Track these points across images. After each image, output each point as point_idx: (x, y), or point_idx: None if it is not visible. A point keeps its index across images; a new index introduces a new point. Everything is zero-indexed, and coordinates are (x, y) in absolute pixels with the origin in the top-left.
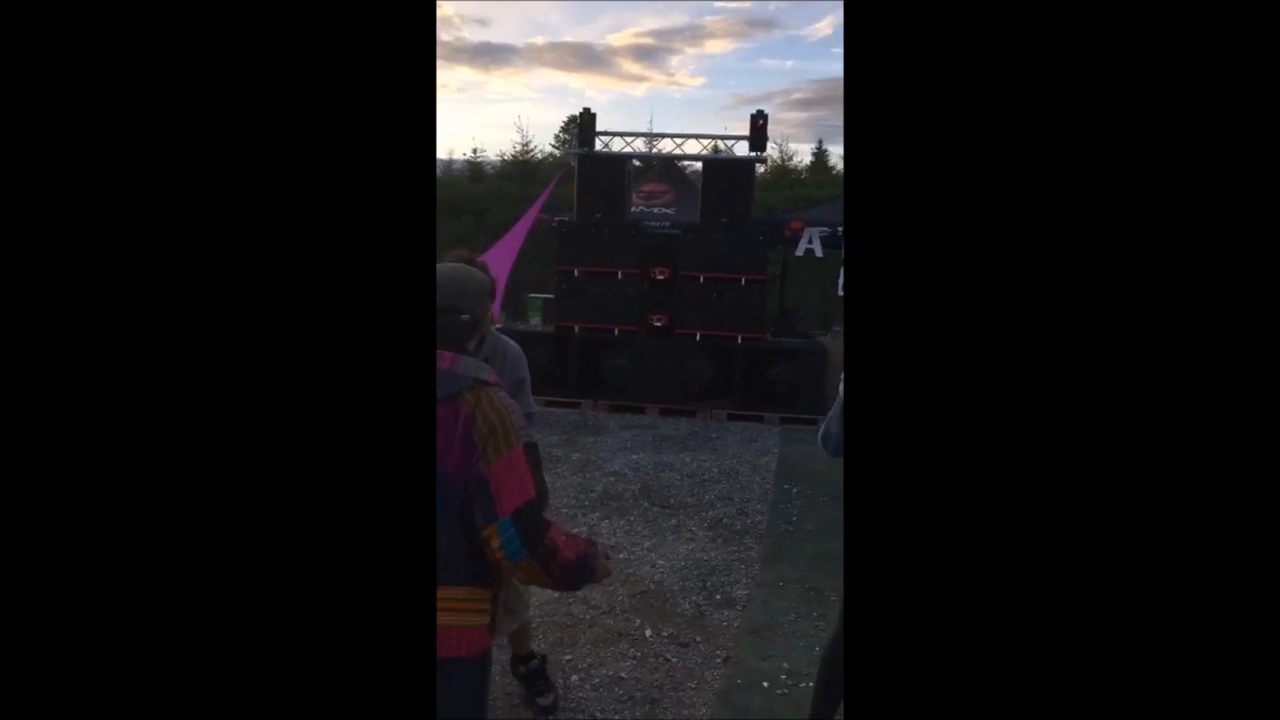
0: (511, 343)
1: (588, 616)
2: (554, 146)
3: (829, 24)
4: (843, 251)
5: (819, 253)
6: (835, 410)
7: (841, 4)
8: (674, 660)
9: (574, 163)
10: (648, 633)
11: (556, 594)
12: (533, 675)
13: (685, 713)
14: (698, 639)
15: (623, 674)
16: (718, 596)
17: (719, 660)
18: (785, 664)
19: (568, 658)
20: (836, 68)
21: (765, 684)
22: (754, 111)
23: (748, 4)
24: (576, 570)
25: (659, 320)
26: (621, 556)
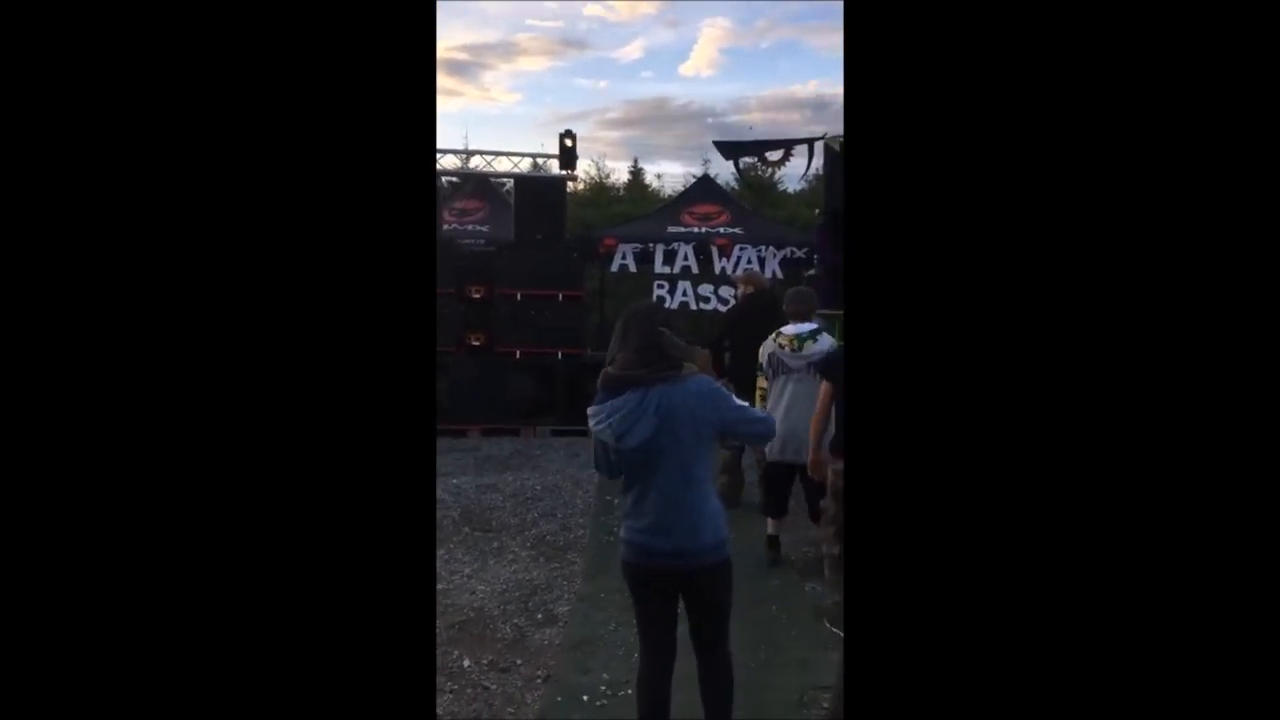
0: None
1: None
2: None
3: (638, 47)
4: (654, 267)
5: (633, 268)
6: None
7: (646, 33)
8: (493, 688)
9: None
10: (466, 663)
11: None
12: None
13: None
14: (518, 662)
15: (439, 710)
16: (539, 616)
17: (539, 680)
18: (605, 675)
19: None
20: (647, 89)
21: (585, 698)
22: (562, 131)
23: (559, 23)
24: None
25: (477, 339)
26: (440, 588)
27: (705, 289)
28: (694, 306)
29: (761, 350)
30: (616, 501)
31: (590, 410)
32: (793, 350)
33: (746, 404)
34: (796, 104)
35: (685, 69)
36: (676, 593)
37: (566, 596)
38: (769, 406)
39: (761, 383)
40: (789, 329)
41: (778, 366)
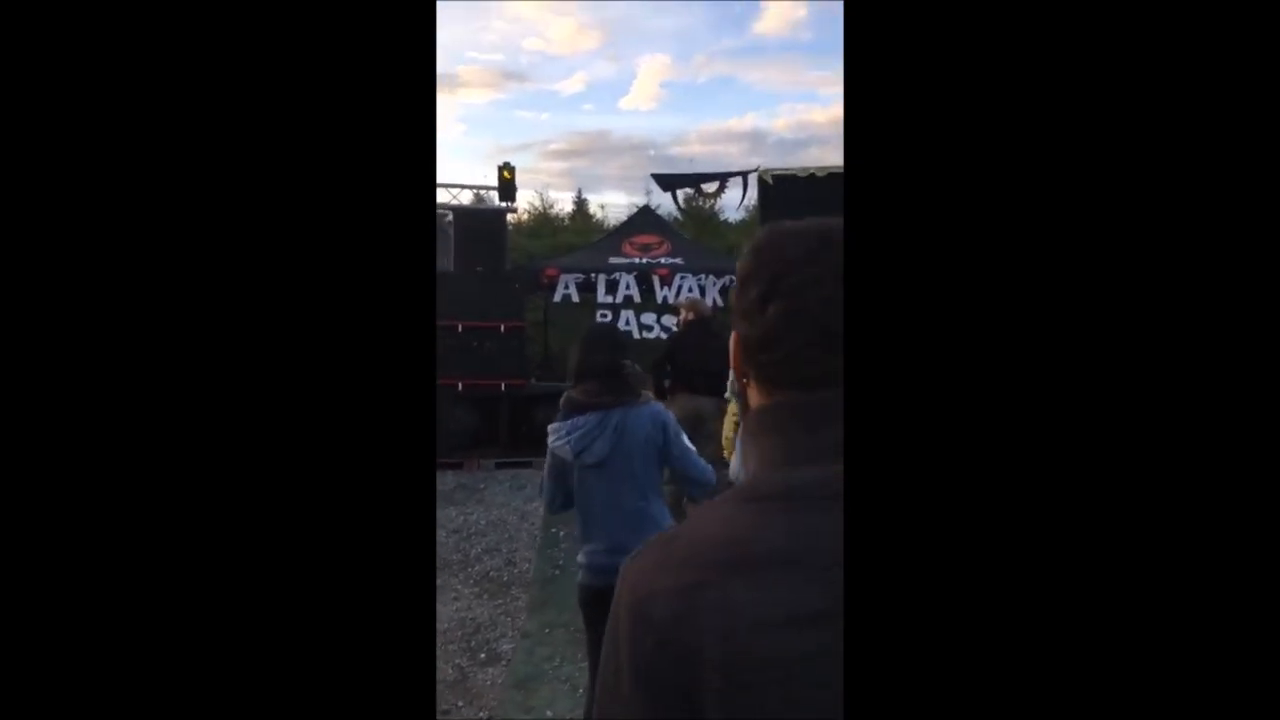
0: None
1: None
2: None
3: (579, 80)
4: (596, 296)
5: (575, 298)
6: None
7: (587, 67)
8: None
9: None
10: None
11: None
12: None
13: None
14: (460, 704)
15: None
16: (482, 655)
17: None
18: (549, 712)
19: None
20: (589, 122)
21: None
22: (501, 164)
23: (499, 56)
24: None
25: None
26: None
27: (648, 317)
28: (637, 335)
29: (732, 381)
30: (563, 535)
31: (551, 427)
32: None
33: (693, 449)
34: (734, 137)
35: (626, 102)
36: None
37: (510, 634)
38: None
39: (733, 409)
40: None
41: None
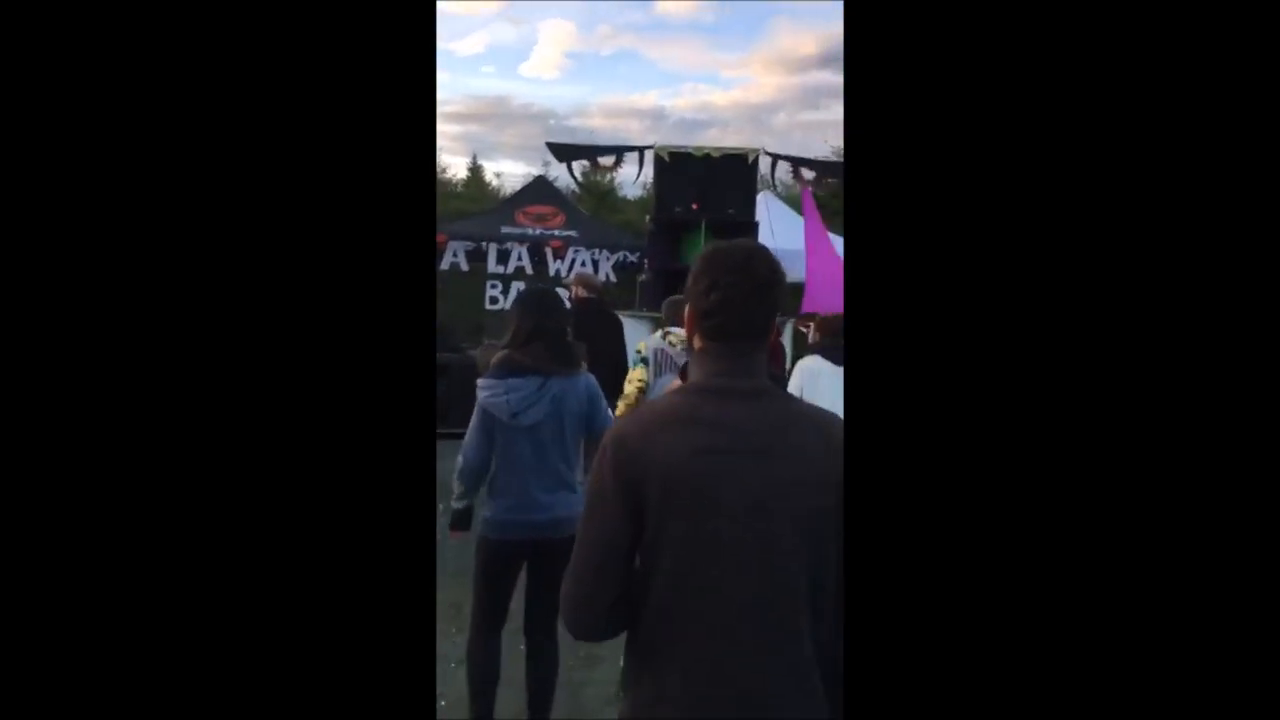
0: None
1: None
2: None
3: (479, 41)
4: (487, 266)
5: (464, 266)
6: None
7: (488, 28)
8: None
9: None
10: None
11: None
12: None
13: None
14: None
15: None
16: None
17: None
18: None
19: None
20: (488, 85)
21: None
22: None
23: None
24: None
25: None
26: None
27: None
28: None
29: (647, 345)
30: (442, 508)
31: (483, 383)
32: (684, 349)
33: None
34: (637, 113)
35: (527, 69)
36: (520, 570)
37: None
38: (652, 398)
39: (641, 373)
40: (677, 330)
41: (666, 363)
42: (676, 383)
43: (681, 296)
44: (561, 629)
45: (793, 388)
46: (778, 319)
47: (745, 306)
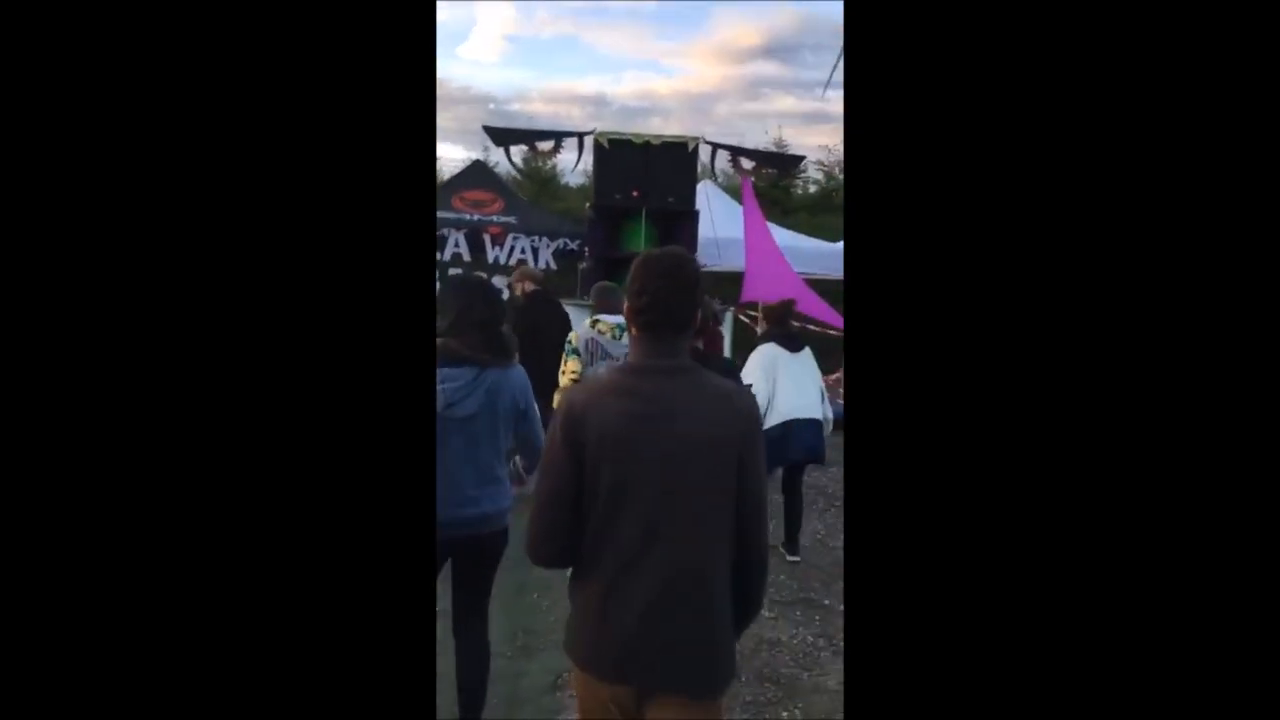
0: None
1: None
2: None
3: None
4: None
5: None
6: None
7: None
8: None
9: None
10: None
11: None
12: None
13: None
14: None
15: None
16: None
17: None
18: None
19: None
20: None
21: None
22: None
23: None
24: None
25: None
26: None
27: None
28: None
29: (578, 336)
30: None
31: None
32: (613, 338)
33: (539, 419)
34: (578, 99)
35: (465, 50)
36: (445, 566)
37: None
38: None
39: (574, 365)
40: (607, 318)
41: (597, 351)
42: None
43: (610, 283)
44: (495, 621)
45: (753, 372)
46: (717, 309)
47: (668, 305)
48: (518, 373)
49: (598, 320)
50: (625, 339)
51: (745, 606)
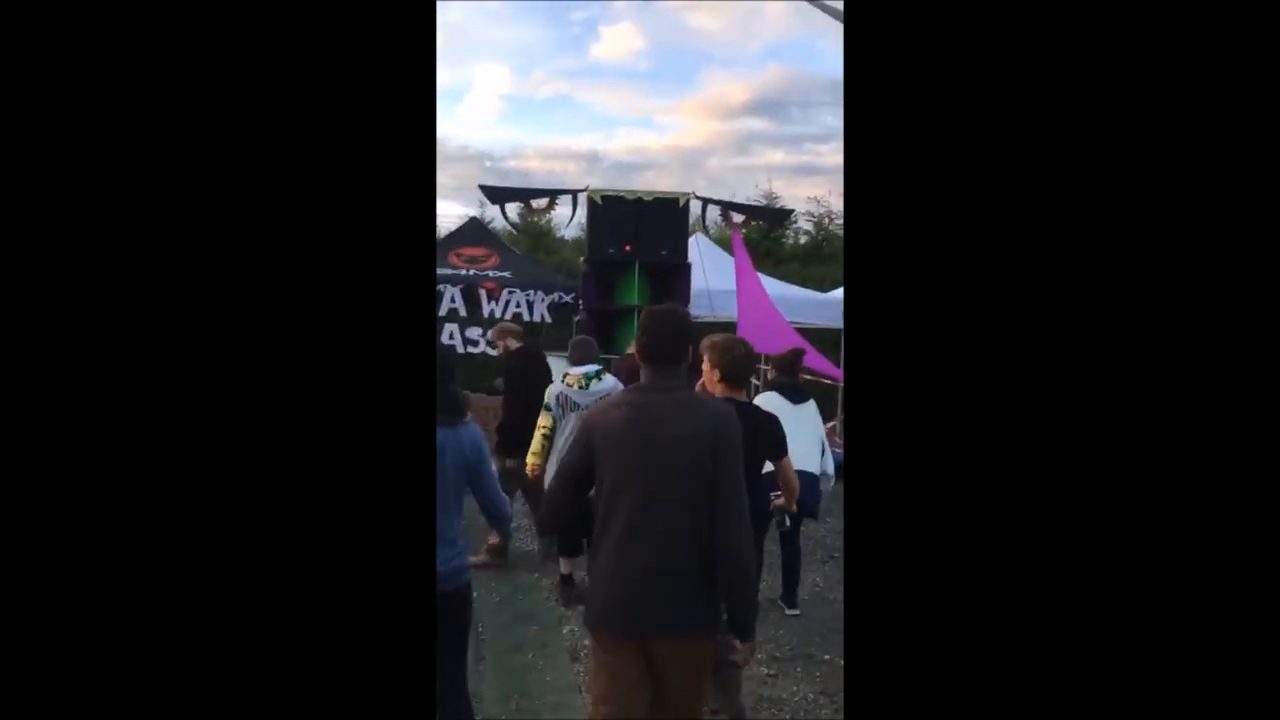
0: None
1: None
2: None
3: None
4: None
5: None
6: None
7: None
8: None
9: None
10: None
11: None
12: None
13: None
14: None
15: None
16: None
17: None
18: None
19: None
20: None
21: None
22: None
23: None
24: None
25: None
26: None
27: (473, 332)
28: (461, 349)
29: (549, 392)
30: None
31: None
32: (580, 388)
33: (496, 478)
34: (572, 155)
35: (463, 111)
36: None
37: None
38: (559, 442)
39: (545, 420)
40: (575, 370)
41: (566, 404)
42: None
43: (585, 337)
44: (487, 681)
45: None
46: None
47: (662, 344)
48: (469, 431)
49: (566, 374)
50: (593, 386)
51: (730, 571)
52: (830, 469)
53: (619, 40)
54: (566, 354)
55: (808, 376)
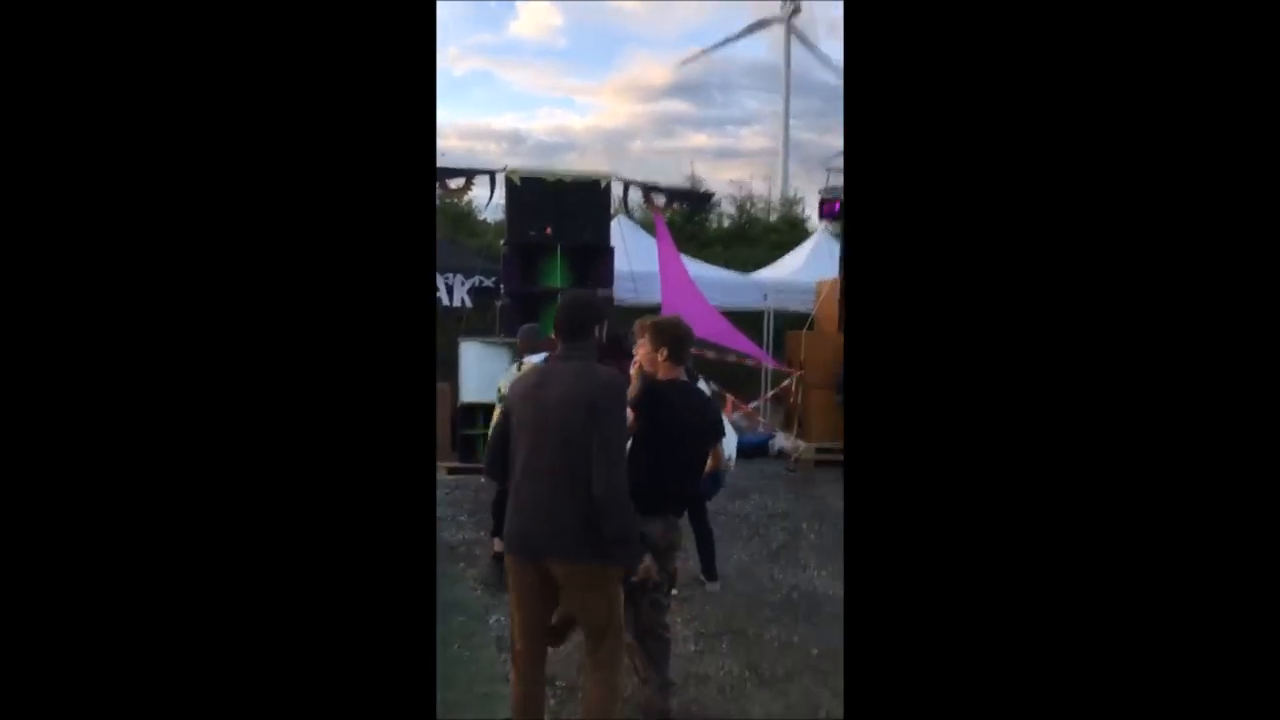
0: None
1: None
2: None
3: None
4: None
5: None
6: None
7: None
8: None
9: None
10: None
11: None
12: None
13: None
14: None
15: None
16: None
17: None
18: None
19: None
20: None
21: None
22: None
23: None
24: None
25: None
26: None
27: None
28: None
29: (502, 381)
30: None
31: None
32: None
33: None
34: (494, 135)
35: None
36: None
37: None
38: None
39: (499, 413)
40: (530, 358)
41: None
42: None
43: (535, 324)
44: None
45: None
46: (630, 337)
47: (571, 321)
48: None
49: (522, 363)
50: None
51: (599, 506)
52: (732, 450)
53: (536, 17)
54: (493, 339)
55: (731, 358)
